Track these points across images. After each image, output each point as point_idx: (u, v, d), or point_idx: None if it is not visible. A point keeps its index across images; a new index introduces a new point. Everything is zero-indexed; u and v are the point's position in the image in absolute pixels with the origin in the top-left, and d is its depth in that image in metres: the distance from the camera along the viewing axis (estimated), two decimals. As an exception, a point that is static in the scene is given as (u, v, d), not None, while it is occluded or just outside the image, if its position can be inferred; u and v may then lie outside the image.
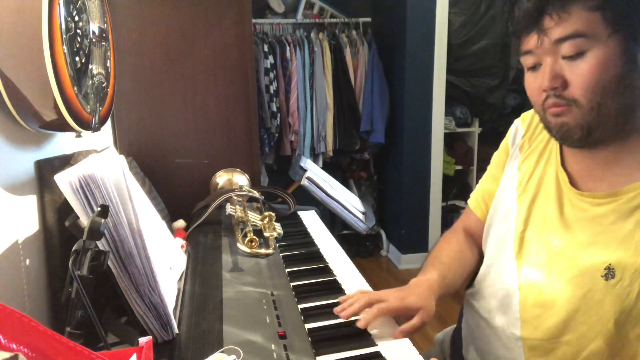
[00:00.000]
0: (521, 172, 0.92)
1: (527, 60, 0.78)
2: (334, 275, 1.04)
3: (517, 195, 0.90)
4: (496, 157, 1.02)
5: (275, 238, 1.21)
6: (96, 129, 0.92)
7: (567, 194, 0.82)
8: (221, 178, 1.46)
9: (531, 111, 0.96)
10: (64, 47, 0.75)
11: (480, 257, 1.02)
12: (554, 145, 0.89)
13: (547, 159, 0.89)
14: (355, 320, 0.83)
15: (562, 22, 0.71)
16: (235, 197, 1.31)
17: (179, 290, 0.93)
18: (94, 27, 0.91)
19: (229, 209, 1.27)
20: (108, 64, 1.01)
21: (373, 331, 0.82)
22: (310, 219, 1.43)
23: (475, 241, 1.03)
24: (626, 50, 0.71)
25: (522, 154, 0.93)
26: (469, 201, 1.07)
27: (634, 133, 0.76)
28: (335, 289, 0.98)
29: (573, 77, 0.72)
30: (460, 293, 1.03)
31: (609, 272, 0.73)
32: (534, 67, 0.78)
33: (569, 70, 0.73)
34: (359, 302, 0.84)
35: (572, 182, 0.83)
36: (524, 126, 0.96)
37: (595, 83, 0.71)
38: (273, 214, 1.23)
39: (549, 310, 0.79)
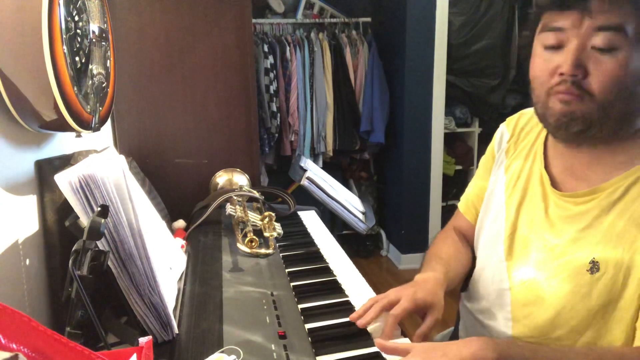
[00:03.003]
0: (508, 175, 0.93)
1: (549, 39, 0.75)
2: (334, 275, 1.04)
3: (505, 198, 0.92)
4: (483, 161, 1.04)
5: (275, 238, 1.21)
6: (96, 129, 0.92)
7: (551, 195, 0.84)
8: (221, 178, 1.46)
9: (516, 115, 0.98)
10: (64, 47, 0.75)
11: (474, 258, 1.03)
12: (539, 147, 0.90)
13: (532, 161, 0.90)
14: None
15: (610, 10, 0.69)
16: (235, 197, 1.31)
17: (179, 290, 0.93)
18: (94, 27, 0.91)
19: (229, 209, 1.27)
20: (108, 64, 1.01)
21: (372, 330, 0.82)
22: (310, 219, 1.43)
23: (468, 242, 1.05)
24: None
25: (509, 158, 0.95)
26: (459, 204, 1.09)
27: (620, 138, 0.77)
28: (335, 289, 0.98)
29: (596, 70, 0.71)
30: (457, 288, 1.04)
31: (594, 266, 0.74)
32: (554, 47, 0.75)
33: (594, 62, 0.71)
34: (375, 307, 0.83)
35: (555, 183, 0.85)
36: (509, 130, 0.97)
37: (617, 82, 0.71)
38: (273, 214, 1.23)
39: (538, 308, 0.81)
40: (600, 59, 0.71)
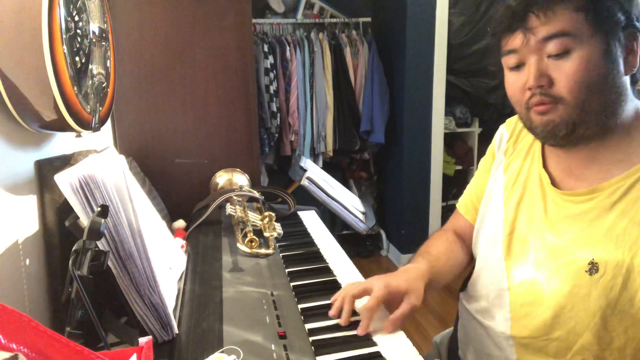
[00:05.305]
0: (507, 175, 0.93)
1: (509, 60, 0.79)
2: (334, 275, 1.04)
3: (504, 198, 0.92)
4: (483, 161, 1.04)
5: (275, 238, 1.21)
6: (96, 129, 0.92)
7: (550, 194, 0.84)
8: (221, 178, 1.46)
9: (515, 116, 0.98)
10: (64, 47, 0.75)
11: (470, 258, 1.03)
12: (537, 147, 0.90)
13: (530, 161, 0.91)
14: (355, 321, 0.83)
15: (548, 21, 0.73)
16: (235, 197, 1.31)
17: (179, 290, 0.93)
18: (94, 27, 0.91)
19: (229, 209, 1.27)
20: (108, 64, 1.01)
21: (373, 330, 0.82)
22: (310, 219, 1.43)
23: (465, 242, 1.05)
24: (607, 50, 0.73)
25: (507, 158, 0.95)
26: (457, 205, 1.09)
27: (612, 131, 0.78)
28: (335, 289, 0.98)
29: (559, 76, 0.74)
30: (457, 288, 1.04)
31: (593, 267, 0.74)
32: (517, 67, 0.79)
33: (555, 69, 0.74)
34: (348, 301, 0.84)
35: (554, 182, 0.85)
36: (509, 131, 0.98)
37: (581, 81, 0.73)
38: (273, 214, 1.23)
39: (537, 308, 0.81)
40: (559, 64, 0.74)
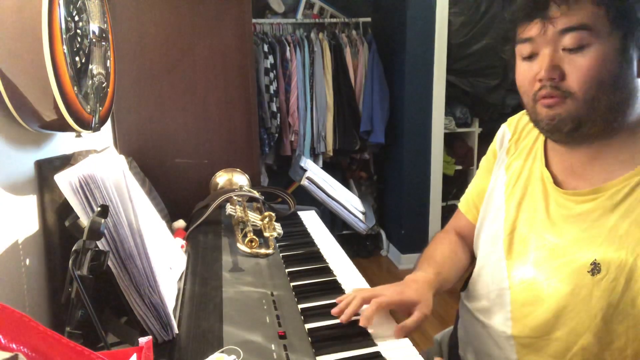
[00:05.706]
0: (509, 174, 0.93)
1: (523, 49, 0.78)
2: (334, 275, 1.04)
3: (505, 197, 0.92)
4: (484, 161, 1.04)
5: (275, 238, 1.21)
6: (96, 129, 0.92)
7: (552, 193, 0.84)
8: (221, 178, 1.46)
9: (517, 115, 0.98)
10: (64, 47, 0.75)
11: (472, 259, 1.03)
12: (539, 146, 0.90)
13: (532, 160, 0.90)
14: (356, 320, 0.83)
15: (569, 13, 0.72)
16: (235, 197, 1.31)
17: (179, 290, 0.93)
18: (94, 27, 0.91)
19: (229, 209, 1.27)
20: (108, 64, 1.01)
21: (373, 331, 0.82)
22: (310, 219, 1.43)
23: (467, 242, 1.05)
24: (623, 49, 0.72)
25: (509, 157, 0.95)
26: (459, 204, 1.09)
27: (617, 132, 0.77)
28: (335, 289, 0.98)
29: (572, 70, 0.73)
30: (457, 287, 1.04)
31: (595, 268, 0.74)
32: (530, 57, 0.78)
33: (568, 63, 0.73)
34: (356, 300, 0.85)
35: (556, 181, 0.85)
36: (511, 130, 0.98)
37: (594, 77, 0.72)
38: (273, 214, 1.23)
39: (538, 307, 0.81)
40: (573, 58, 0.73)
